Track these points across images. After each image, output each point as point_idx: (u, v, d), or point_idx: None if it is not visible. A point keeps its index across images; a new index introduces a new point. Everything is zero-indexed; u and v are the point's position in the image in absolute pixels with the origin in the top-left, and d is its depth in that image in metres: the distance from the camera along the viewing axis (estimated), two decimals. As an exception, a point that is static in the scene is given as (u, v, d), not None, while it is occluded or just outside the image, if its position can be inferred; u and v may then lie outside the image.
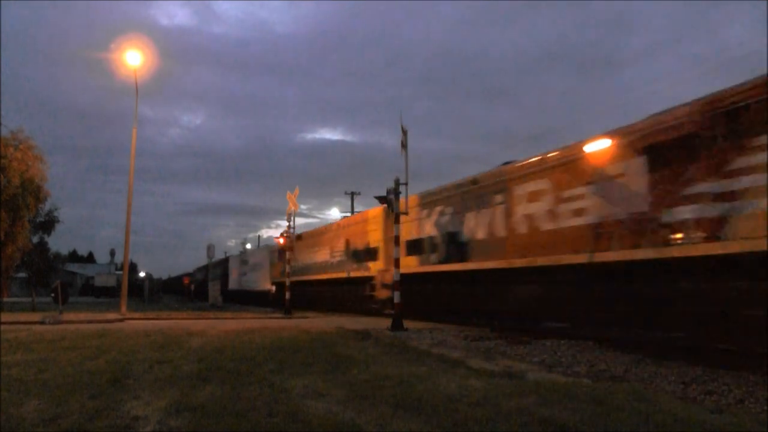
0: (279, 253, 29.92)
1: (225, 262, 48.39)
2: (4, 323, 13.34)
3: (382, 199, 13.64)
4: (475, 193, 13.57)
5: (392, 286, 13.52)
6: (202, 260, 58.69)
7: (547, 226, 11.13)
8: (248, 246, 56.31)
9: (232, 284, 43.21)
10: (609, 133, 9.90)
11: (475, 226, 13.42)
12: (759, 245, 7.01)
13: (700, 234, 7.87)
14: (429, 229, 15.52)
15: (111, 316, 17.52)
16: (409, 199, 13.77)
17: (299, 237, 25.68)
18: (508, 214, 12.30)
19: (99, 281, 61.85)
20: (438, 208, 15.18)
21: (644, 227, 8.86)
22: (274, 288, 31.71)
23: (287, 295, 22.59)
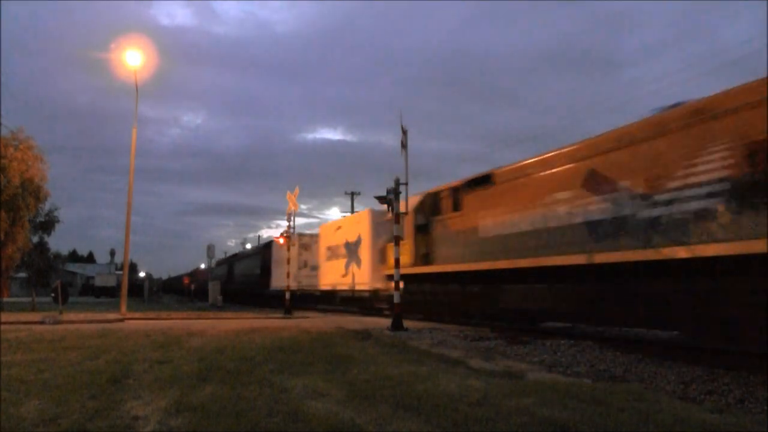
0: (421, 219, 15.46)
1: (263, 249, 34.70)
2: (4, 323, 13.33)
3: (381, 199, 13.64)
4: None
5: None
6: (202, 260, 58.50)
7: None
8: (248, 246, 55.28)
9: (279, 281, 27.95)
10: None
11: None
12: None
13: None
14: None
15: (111, 316, 17.51)
16: None
17: (487, 179, 12.56)
18: None
19: (99, 281, 61.93)
20: None
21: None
22: (401, 285, 14.57)
23: (287, 295, 22.56)
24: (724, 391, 5.66)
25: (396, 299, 12.93)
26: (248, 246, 55.26)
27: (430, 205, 15.66)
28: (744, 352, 7.47)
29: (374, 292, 18.81)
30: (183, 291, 63.57)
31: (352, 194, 46.17)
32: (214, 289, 37.15)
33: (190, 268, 75.72)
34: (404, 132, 13.21)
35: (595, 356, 7.98)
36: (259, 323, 14.49)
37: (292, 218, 23.42)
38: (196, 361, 6.98)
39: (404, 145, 13.23)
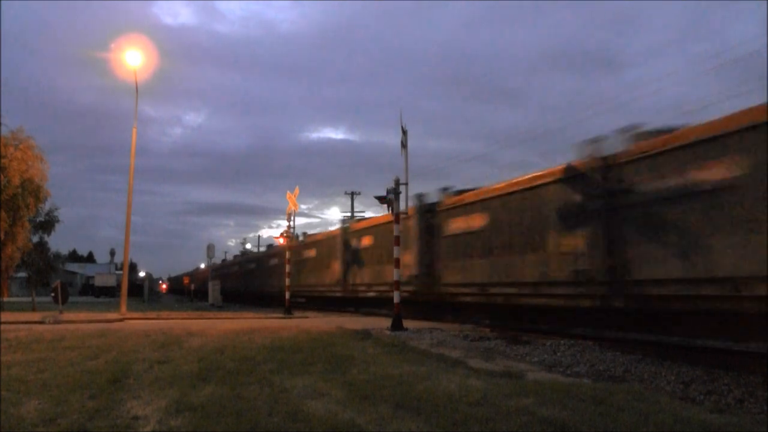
0: None
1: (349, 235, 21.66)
2: (4, 323, 13.32)
3: (381, 199, 13.62)
4: None
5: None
6: (202, 260, 58.38)
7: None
8: (248, 246, 55.08)
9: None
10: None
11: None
12: None
13: None
14: None
15: (111, 316, 17.51)
16: None
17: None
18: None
19: (99, 281, 61.85)
20: None
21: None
22: None
23: (287, 295, 22.53)
24: (724, 391, 5.65)
25: (396, 299, 12.93)
26: (248, 246, 55.34)
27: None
28: (744, 352, 7.47)
29: None
30: (183, 291, 63.61)
31: (352, 194, 46.16)
32: (214, 288, 37.17)
33: (190, 268, 75.75)
34: (404, 132, 13.20)
35: (595, 356, 7.98)
36: (259, 323, 14.48)
37: (292, 218, 23.41)
38: (196, 361, 6.98)
39: (404, 145, 13.22)
